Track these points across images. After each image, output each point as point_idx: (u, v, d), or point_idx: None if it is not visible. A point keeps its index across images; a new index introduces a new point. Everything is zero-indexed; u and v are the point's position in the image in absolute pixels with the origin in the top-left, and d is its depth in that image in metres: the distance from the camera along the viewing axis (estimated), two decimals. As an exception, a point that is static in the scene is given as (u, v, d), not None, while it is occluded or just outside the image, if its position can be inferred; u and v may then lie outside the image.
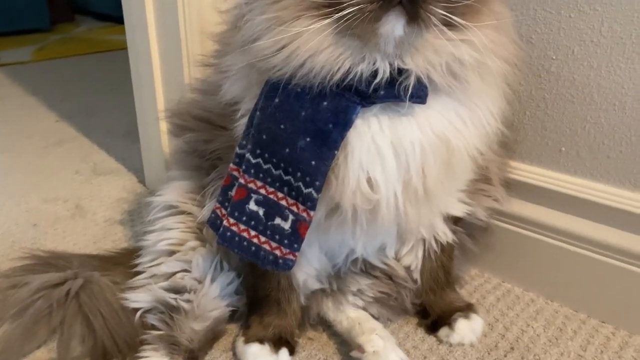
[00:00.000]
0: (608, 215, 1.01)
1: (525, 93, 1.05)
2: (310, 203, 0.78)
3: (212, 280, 0.95)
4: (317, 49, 0.71)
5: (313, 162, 0.76)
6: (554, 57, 1.00)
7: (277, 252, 0.82)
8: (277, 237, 0.81)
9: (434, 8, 0.68)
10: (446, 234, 0.96)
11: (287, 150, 0.77)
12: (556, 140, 1.05)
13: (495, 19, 0.76)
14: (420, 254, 0.98)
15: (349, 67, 0.72)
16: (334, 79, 0.73)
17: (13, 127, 2.03)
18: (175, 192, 1.00)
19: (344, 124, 0.75)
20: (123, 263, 1.05)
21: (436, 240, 0.97)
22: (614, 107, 0.96)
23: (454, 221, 0.98)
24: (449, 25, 0.71)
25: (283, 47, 0.72)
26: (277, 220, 0.81)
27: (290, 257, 0.82)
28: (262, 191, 0.81)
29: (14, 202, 1.48)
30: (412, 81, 0.73)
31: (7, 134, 1.96)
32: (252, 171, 0.81)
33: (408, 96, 0.74)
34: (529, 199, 1.10)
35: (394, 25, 0.68)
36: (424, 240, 0.97)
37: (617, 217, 1.00)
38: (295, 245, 0.81)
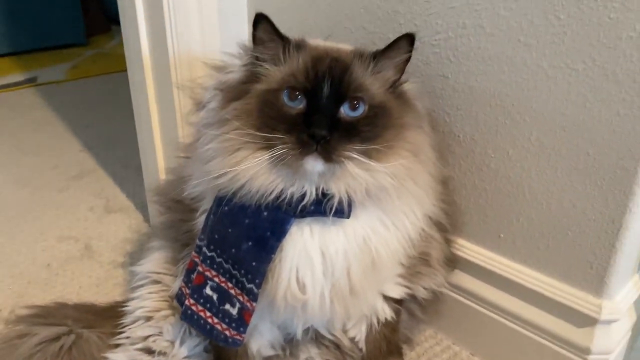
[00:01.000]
0: (538, 300, 1.11)
1: (470, 183, 1.16)
2: (252, 296, 0.92)
3: (181, 343, 1.11)
4: (254, 175, 0.85)
5: (254, 263, 0.90)
6: (492, 155, 1.10)
7: (227, 333, 0.96)
8: (227, 320, 0.96)
9: (345, 152, 0.81)
10: (385, 312, 1.08)
11: (234, 250, 0.92)
12: (496, 227, 1.15)
13: (411, 149, 0.88)
14: (364, 328, 1.11)
15: (282, 190, 0.86)
16: (269, 198, 0.86)
17: (40, 158, 2.23)
18: (153, 262, 1.17)
19: (280, 233, 0.89)
20: (112, 317, 1.21)
21: (377, 317, 1.10)
22: (542, 206, 1.06)
23: (397, 299, 1.10)
24: (368, 156, 0.84)
25: (226, 173, 0.86)
26: (227, 306, 0.95)
27: (238, 337, 0.96)
28: (216, 280, 0.96)
29: (32, 240, 1.67)
30: (335, 202, 0.86)
31: (34, 165, 2.17)
32: (208, 262, 0.95)
33: (332, 213, 0.87)
34: (473, 275, 1.21)
35: (313, 164, 0.81)
36: (366, 316, 1.10)
37: (545, 303, 1.10)
38: (242, 329, 0.95)
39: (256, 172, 0.84)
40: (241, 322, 0.95)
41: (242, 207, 0.89)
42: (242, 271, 0.92)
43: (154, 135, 1.54)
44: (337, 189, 0.85)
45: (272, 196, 0.86)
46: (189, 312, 0.98)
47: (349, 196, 0.86)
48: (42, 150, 2.31)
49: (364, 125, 0.83)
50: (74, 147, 2.34)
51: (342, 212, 0.87)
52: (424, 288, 1.11)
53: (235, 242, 0.91)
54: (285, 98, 0.84)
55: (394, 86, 0.89)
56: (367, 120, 0.83)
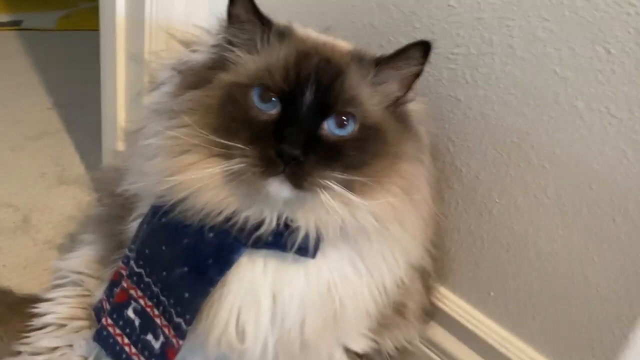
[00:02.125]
0: (522, 377, 0.94)
1: (465, 226, 0.99)
2: (179, 332, 0.75)
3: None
4: (201, 187, 0.67)
5: (186, 295, 0.73)
6: (497, 200, 0.93)
7: None
8: (146, 353, 0.79)
9: (321, 180, 0.63)
10: (345, 367, 0.91)
11: (165, 273, 0.74)
12: (487, 283, 0.98)
13: (404, 186, 0.70)
14: (318, 380, 0.94)
15: (234, 211, 0.68)
16: (217, 219, 0.69)
17: (4, 109, 2.02)
18: (79, 260, 0.99)
19: (224, 263, 0.71)
20: (26, 313, 1.02)
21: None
22: (546, 270, 0.89)
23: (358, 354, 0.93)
24: (350, 188, 0.66)
25: (167, 177, 0.68)
26: (149, 337, 0.78)
27: None
28: (141, 302, 0.78)
29: (-33, 202, 1.48)
30: (299, 237, 0.69)
31: (-5, 117, 1.97)
32: (135, 279, 0.78)
33: (294, 249, 0.69)
34: (452, 332, 1.04)
35: (278, 189, 0.64)
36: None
37: (529, 382, 0.93)
38: None
39: (204, 184, 0.67)
40: (163, 359, 0.77)
41: (183, 222, 0.71)
42: (172, 300, 0.74)
43: (117, 109, 1.36)
44: (305, 222, 0.68)
45: (221, 217, 0.68)
46: (105, 333, 0.81)
47: (317, 232, 0.68)
48: (6, 101, 2.09)
49: (350, 149, 0.65)
50: (42, 103, 2.13)
51: (307, 249, 0.70)
52: (392, 342, 0.94)
53: (168, 264, 0.73)
54: (255, 98, 0.66)
55: (396, 104, 0.71)
56: (356, 143, 0.66)
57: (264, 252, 0.72)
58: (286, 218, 0.68)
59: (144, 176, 0.71)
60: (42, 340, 0.92)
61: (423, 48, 0.67)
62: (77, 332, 0.92)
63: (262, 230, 0.68)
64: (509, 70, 0.87)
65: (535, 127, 0.86)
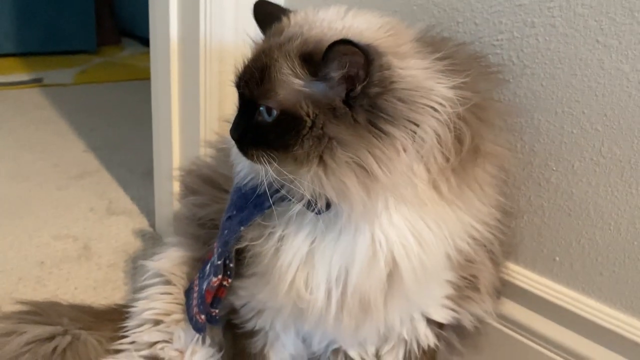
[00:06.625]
0: (596, 333, 0.99)
1: (524, 199, 1.05)
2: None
3: (193, 353, 0.97)
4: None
5: (225, 231, 0.82)
6: (554, 169, 1.00)
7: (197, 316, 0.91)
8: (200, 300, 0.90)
9: (256, 157, 0.73)
10: (428, 338, 0.95)
11: (223, 217, 0.84)
12: (551, 249, 1.04)
13: (347, 163, 0.70)
14: (401, 354, 0.97)
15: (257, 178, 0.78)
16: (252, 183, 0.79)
17: (42, 154, 2.11)
18: (168, 260, 1.04)
19: (259, 208, 0.78)
20: (113, 320, 1.07)
21: (418, 343, 0.97)
22: (609, 227, 0.96)
23: (439, 325, 0.97)
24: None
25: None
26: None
27: (199, 317, 0.90)
28: (216, 255, 0.87)
29: (27, 236, 1.54)
30: (290, 198, 0.75)
31: (34, 161, 2.04)
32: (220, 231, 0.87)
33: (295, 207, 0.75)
34: (522, 303, 1.09)
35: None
36: (406, 341, 0.97)
37: (604, 336, 0.98)
38: (201, 307, 0.89)
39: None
40: (202, 298, 0.88)
41: None
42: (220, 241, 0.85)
43: (172, 134, 1.43)
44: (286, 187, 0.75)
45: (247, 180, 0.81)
46: (190, 285, 0.94)
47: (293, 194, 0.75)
48: (43, 148, 2.18)
49: (271, 133, 0.72)
50: (77, 148, 2.22)
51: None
52: (471, 315, 0.98)
53: (229, 208, 0.83)
54: None
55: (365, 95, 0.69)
56: (274, 128, 0.72)
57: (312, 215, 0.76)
58: None
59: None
60: (142, 335, 0.97)
61: (343, 48, 0.65)
62: (175, 324, 0.97)
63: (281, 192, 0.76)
64: (553, 48, 0.96)
65: (584, 94, 0.94)
